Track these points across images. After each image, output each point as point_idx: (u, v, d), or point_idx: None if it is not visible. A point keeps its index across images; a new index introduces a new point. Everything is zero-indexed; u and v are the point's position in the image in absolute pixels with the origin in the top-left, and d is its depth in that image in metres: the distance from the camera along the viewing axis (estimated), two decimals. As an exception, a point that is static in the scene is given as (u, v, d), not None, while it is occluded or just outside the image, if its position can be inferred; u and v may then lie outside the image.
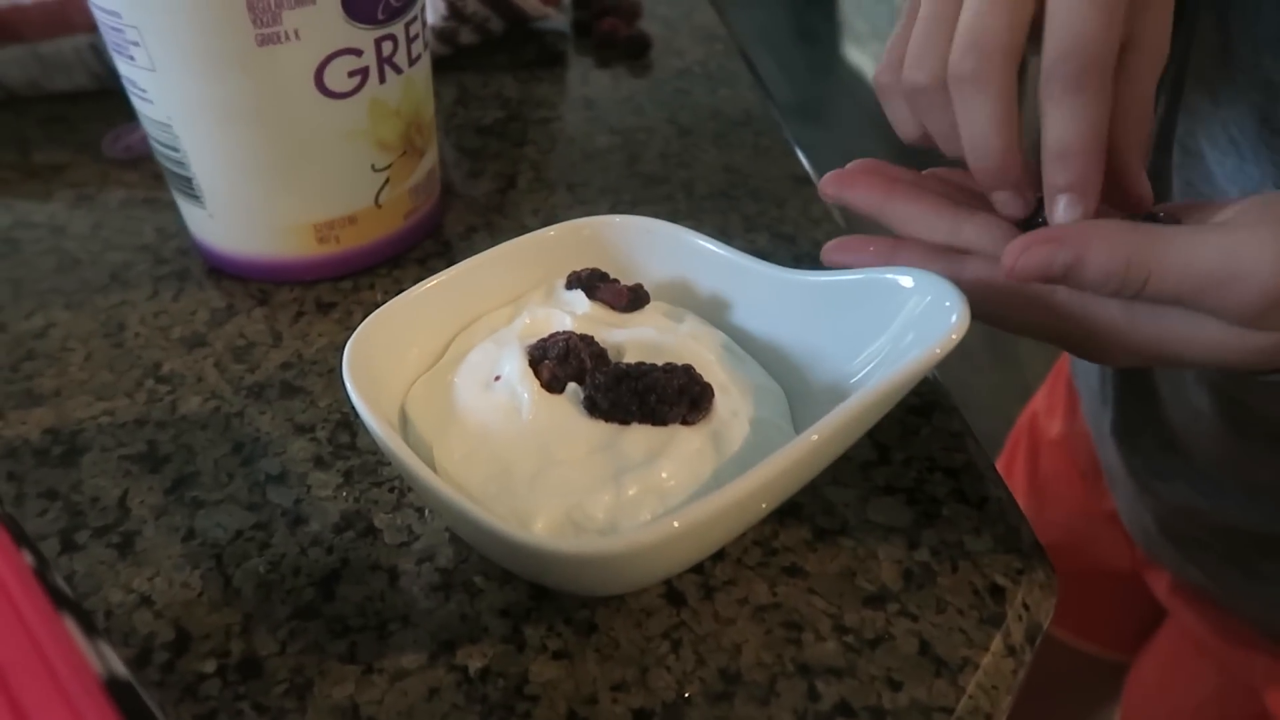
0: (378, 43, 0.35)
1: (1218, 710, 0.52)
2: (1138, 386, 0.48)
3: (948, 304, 0.27)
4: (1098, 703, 0.67)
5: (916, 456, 0.31)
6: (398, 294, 0.29)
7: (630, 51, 0.58)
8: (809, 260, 0.40)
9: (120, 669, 0.15)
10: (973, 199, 0.32)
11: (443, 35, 0.56)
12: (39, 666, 0.12)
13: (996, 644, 0.26)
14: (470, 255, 0.32)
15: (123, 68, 0.35)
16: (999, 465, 0.65)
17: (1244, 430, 0.41)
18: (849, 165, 0.33)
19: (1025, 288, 0.28)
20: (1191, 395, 0.44)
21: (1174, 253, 0.24)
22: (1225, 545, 0.47)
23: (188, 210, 0.39)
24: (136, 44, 0.33)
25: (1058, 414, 0.61)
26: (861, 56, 2.53)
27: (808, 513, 0.29)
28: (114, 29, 0.33)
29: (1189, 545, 0.50)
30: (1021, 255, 0.26)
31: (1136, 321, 0.27)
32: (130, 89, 0.36)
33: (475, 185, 0.46)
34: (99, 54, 0.52)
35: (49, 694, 0.12)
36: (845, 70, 2.60)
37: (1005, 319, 0.29)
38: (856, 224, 0.37)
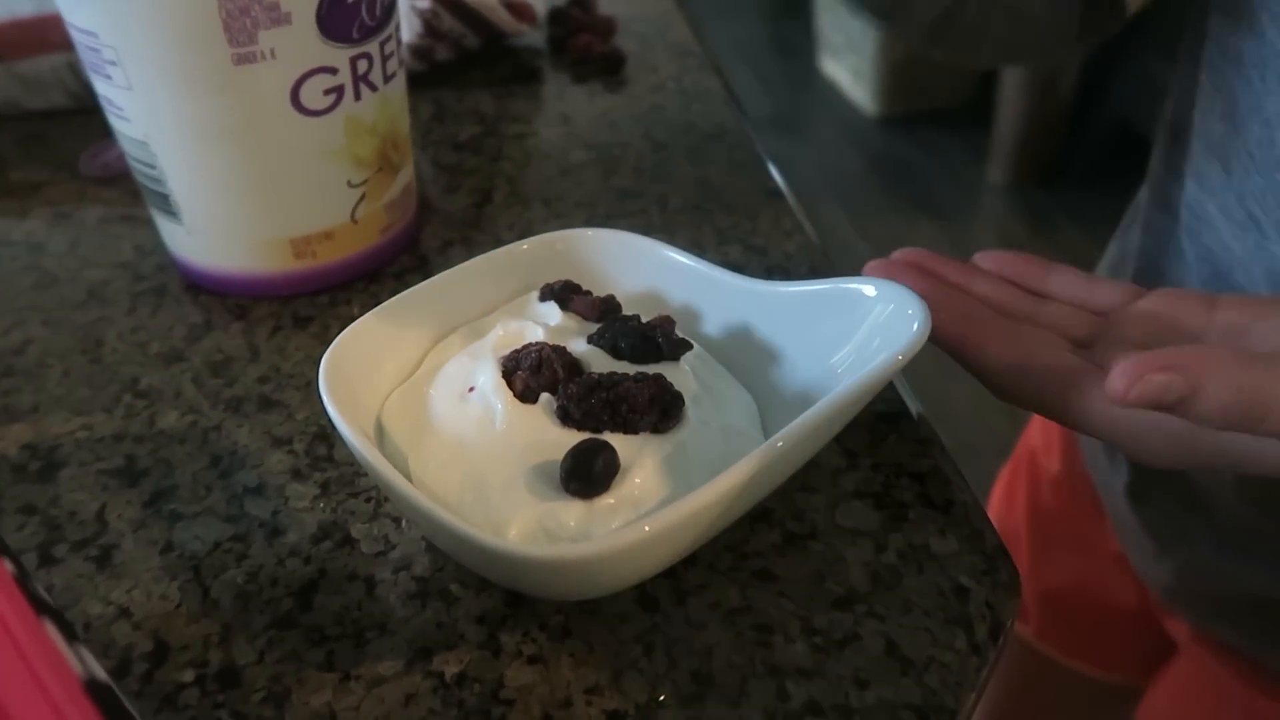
0: (353, 61, 0.36)
1: None
2: None
3: (910, 312, 0.28)
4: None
5: (884, 462, 0.32)
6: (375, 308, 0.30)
7: (605, 68, 0.59)
8: (780, 271, 0.41)
9: (100, 673, 0.15)
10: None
11: (418, 52, 0.57)
12: (21, 669, 0.13)
13: (961, 643, 0.26)
14: (446, 269, 0.32)
15: (100, 87, 0.35)
16: (996, 498, 0.66)
17: (1272, 490, 0.40)
18: (903, 256, 0.34)
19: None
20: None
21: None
22: (1253, 606, 0.46)
23: (165, 227, 0.39)
24: (114, 63, 0.34)
25: (1055, 452, 0.60)
26: (838, 69, 2.56)
27: (778, 517, 0.30)
28: (91, 49, 0.34)
29: (1213, 603, 0.48)
30: (1136, 384, 0.24)
31: (1199, 433, 0.26)
32: (108, 108, 0.36)
33: (452, 200, 0.47)
34: (76, 73, 0.52)
35: (32, 695, 0.12)
36: (822, 83, 2.63)
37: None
38: (828, 238, 0.38)
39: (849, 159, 2.38)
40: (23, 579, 0.16)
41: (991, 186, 2.25)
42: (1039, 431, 0.63)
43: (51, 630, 0.14)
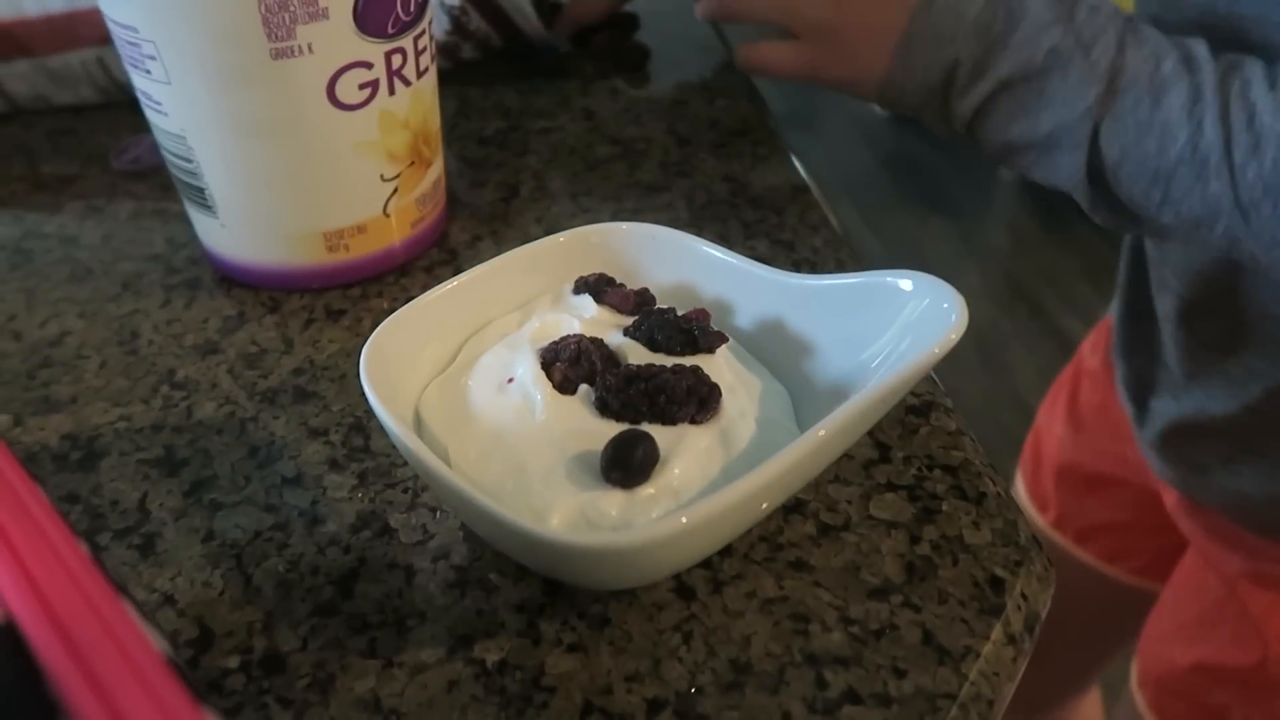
0: (388, 56, 0.36)
1: (1215, 616, 0.56)
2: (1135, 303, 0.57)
3: (945, 306, 0.28)
4: (1133, 628, 0.70)
5: (916, 455, 0.32)
6: (405, 301, 0.30)
7: (629, 63, 0.59)
8: (807, 265, 0.41)
9: (169, 650, 0.15)
10: None
11: (445, 49, 0.57)
12: (110, 645, 0.13)
13: (997, 633, 0.27)
14: (475, 263, 0.32)
15: (138, 81, 0.36)
16: (1045, 402, 0.74)
17: (1192, 327, 0.52)
18: None
19: None
20: (1163, 302, 0.53)
21: None
22: (1205, 444, 0.53)
23: (199, 220, 0.40)
24: (153, 58, 0.34)
25: (1099, 350, 0.67)
26: (850, 66, 2.55)
27: (812, 509, 0.30)
28: (130, 43, 0.34)
29: (1174, 449, 0.56)
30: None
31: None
32: (145, 102, 0.37)
33: (479, 195, 0.47)
34: (105, 67, 0.53)
35: (122, 671, 0.13)
36: (834, 80, 2.62)
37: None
38: (860, 232, 0.38)
39: (861, 156, 2.38)
40: (98, 559, 0.16)
41: (1003, 183, 2.24)
42: (1091, 337, 0.69)
43: (131, 610, 0.15)
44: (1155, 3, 0.47)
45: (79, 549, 0.15)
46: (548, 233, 0.43)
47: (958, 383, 1.68)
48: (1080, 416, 0.69)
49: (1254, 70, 0.38)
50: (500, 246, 0.43)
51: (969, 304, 0.28)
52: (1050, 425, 0.72)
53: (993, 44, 0.42)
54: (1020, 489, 0.75)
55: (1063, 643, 0.75)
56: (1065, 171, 0.42)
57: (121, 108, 0.55)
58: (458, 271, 0.41)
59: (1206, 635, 0.57)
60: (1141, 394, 0.58)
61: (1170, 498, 0.59)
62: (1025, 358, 1.75)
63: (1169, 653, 0.60)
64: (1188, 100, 0.38)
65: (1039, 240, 2.07)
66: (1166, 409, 0.56)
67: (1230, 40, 0.41)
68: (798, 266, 0.41)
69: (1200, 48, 0.39)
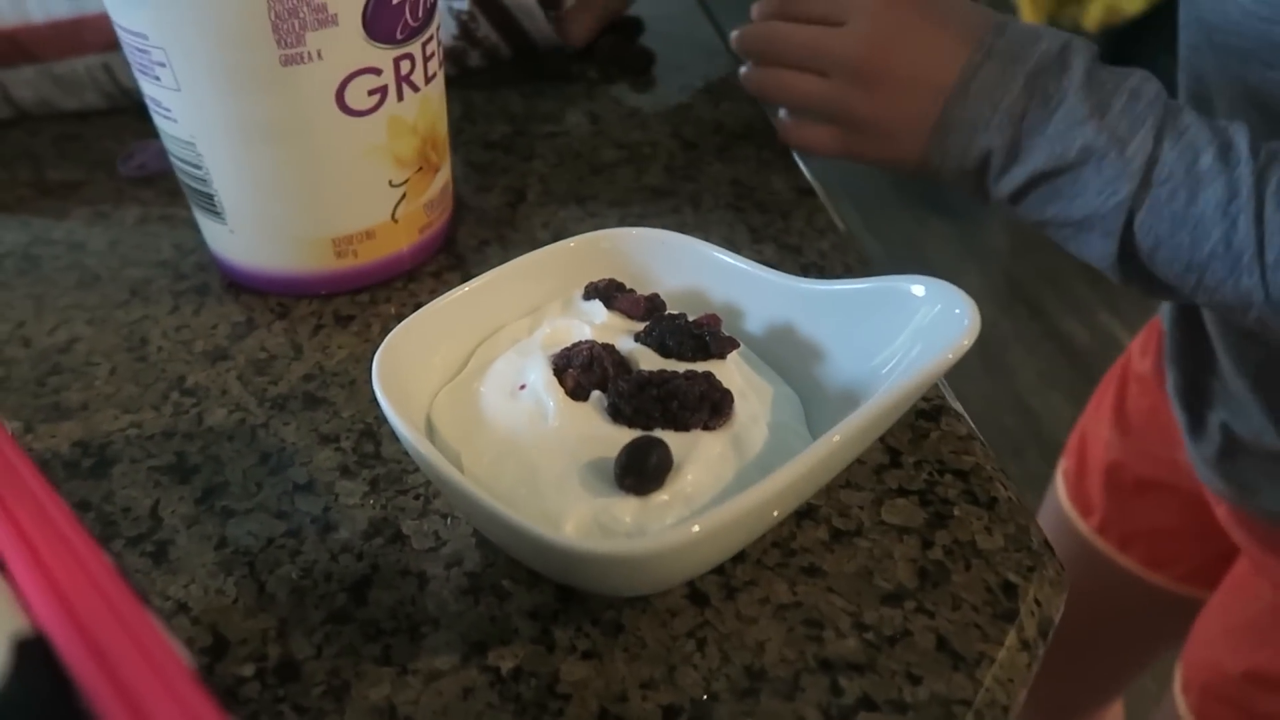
0: (396, 62, 0.36)
1: (1269, 623, 0.56)
2: (1190, 329, 0.56)
3: (958, 311, 0.28)
4: (1171, 636, 0.69)
5: (927, 460, 0.32)
6: (414, 307, 0.30)
7: (633, 67, 0.59)
8: (816, 269, 0.42)
9: (191, 661, 0.15)
10: None
11: (452, 55, 0.57)
12: (139, 657, 0.13)
13: (1011, 639, 0.27)
14: (483, 268, 0.32)
15: (147, 88, 0.36)
16: (1089, 406, 0.73)
17: (1242, 348, 0.51)
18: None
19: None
20: (1218, 330, 0.52)
21: None
22: (1259, 460, 0.52)
23: (208, 226, 0.40)
24: (162, 65, 0.34)
25: (1150, 354, 0.66)
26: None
27: (824, 514, 0.30)
28: (140, 50, 0.34)
29: (1227, 463, 0.55)
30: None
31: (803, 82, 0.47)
32: (154, 108, 0.37)
33: (485, 199, 0.47)
34: (111, 73, 0.53)
35: (152, 683, 0.13)
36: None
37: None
38: (860, 234, 0.38)
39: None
40: (122, 569, 0.16)
41: (1004, 185, 2.24)
42: (1139, 338, 0.68)
43: (157, 622, 0.15)
44: (1198, 32, 0.46)
45: (103, 559, 0.15)
46: (555, 238, 0.43)
47: (958, 385, 1.68)
48: (1128, 420, 0.68)
49: None
50: (507, 251, 0.43)
51: (969, 307, 0.28)
52: (1096, 428, 0.71)
53: (1026, 134, 0.41)
54: (1061, 493, 0.74)
55: (1099, 650, 0.73)
56: (1098, 253, 0.42)
57: (127, 113, 0.55)
58: (465, 277, 0.41)
59: (1259, 643, 0.56)
60: (1194, 404, 0.57)
61: (1222, 508, 0.58)
62: (1026, 359, 1.76)
63: (1217, 659, 0.59)
64: (1223, 198, 0.38)
65: (1039, 241, 2.07)
66: (1220, 421, 0.55)
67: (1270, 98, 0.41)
68: (806, 270, 0.41)
69: (1241, 137, 0.39)
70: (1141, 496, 0.67)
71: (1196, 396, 0.57)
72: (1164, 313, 0.61)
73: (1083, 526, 0.71)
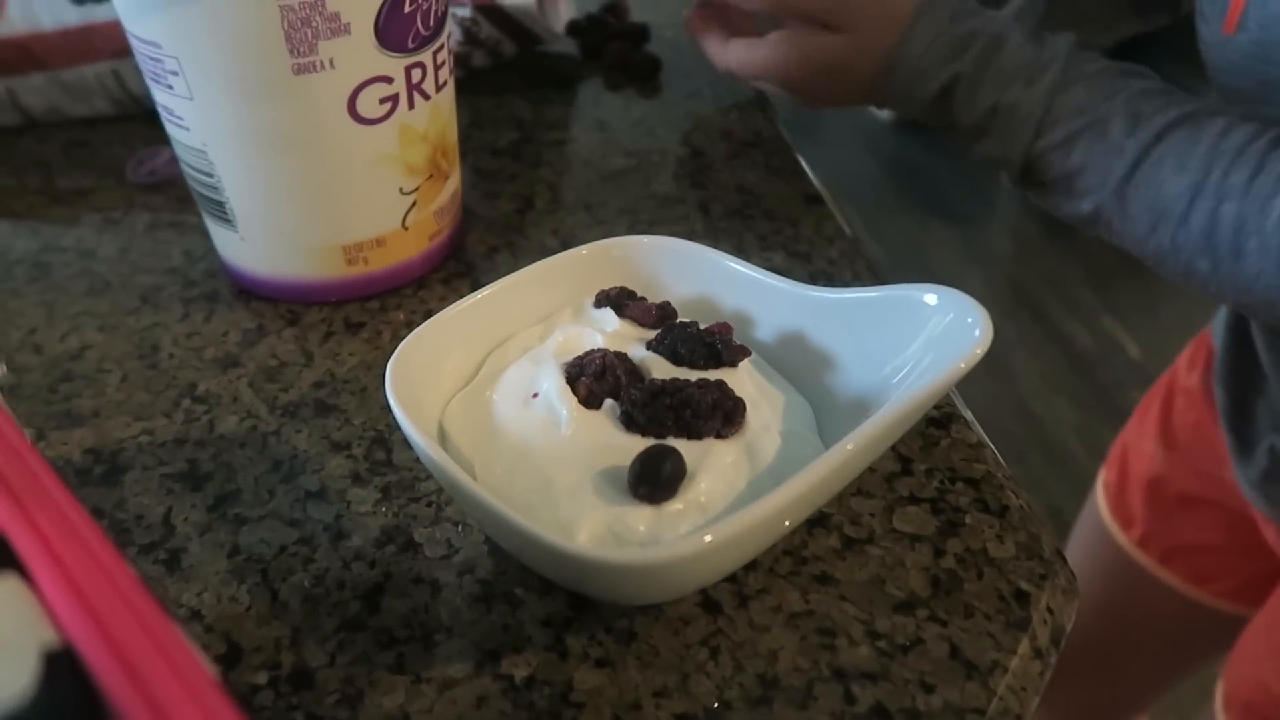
0: (407, 70, 0.36)
1: None
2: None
3: (970, 320, 0.28)
4: (1209, 652, 0.68)
5: (938, 467, 0.32)
6: (424, 314, 0.30)
7: (640, 74, 0.59)
8: (825, 277, 0.42)
9: (215, 672, 0.15)
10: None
11: (456, 59, 0.57)
12: (166, 668, 0.13)
13: (1024, 647, 0.27)
14: (492, 275, 0.33)
15: (159, 96, 0.36)
16: (1133, 419, 0.73)
17: None
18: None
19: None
20: (1270, 353, 0.52)
21: None
22: None
23: (219, 233, 0.40)
24: (175, 73, 0.34)
25: (1197, 368, 0.65)
26: (852, 73, 2.56)
27: (835, 522, 0.30)
28: (153, 59, 0.34)
29: (1274, 483, 0.54)
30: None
31: (773, 38, 0.47)
32: (166, 116, 0.37)
33: (494, 207, 0.47)
34: (120, 79, 0.53)
35: (180, 695, 0.13)
36: (836, 87, 2.63)
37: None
38: (863, 238, 0.38)
39: (862, 161, 2.38)
40: (146, 581, 0.16)
41: (1005, 189, 2.25)
42: (1187, 352, 0.68)
43: (184, 634, 0.15)
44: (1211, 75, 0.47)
45: (128, 569, 0.15)
46: (564, 245, 0.43)
47: (961, 389, 1.68)
48: (1173, 435, 0.67)
49: None
50: (517, 258, 0.43)
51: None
52: (1139, 441, 0.70)
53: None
54: (1101, 504, 0.73)
55: (1135, 663, 0.72)
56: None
57: (136, 120, 0.55)
58: (475, 284, 0.41)
59: None
60: (1241, 425, 0.56)
61: (1271, 529, 0.58)
62: (1029, 363, 1.76)
63: (1263, 678, 0.58)
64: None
65: (1042, 245, 2.07)
66: (1269, 444, 0.54)
67: None
68: (814, 278, 0.42)
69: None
70: (1185, 512, 0.66)
71: (1244, 418, 0.56)
72: (1214, 331, 0.61)
73: (1123, 539, 0.70)
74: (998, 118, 0.43)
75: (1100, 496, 0.73)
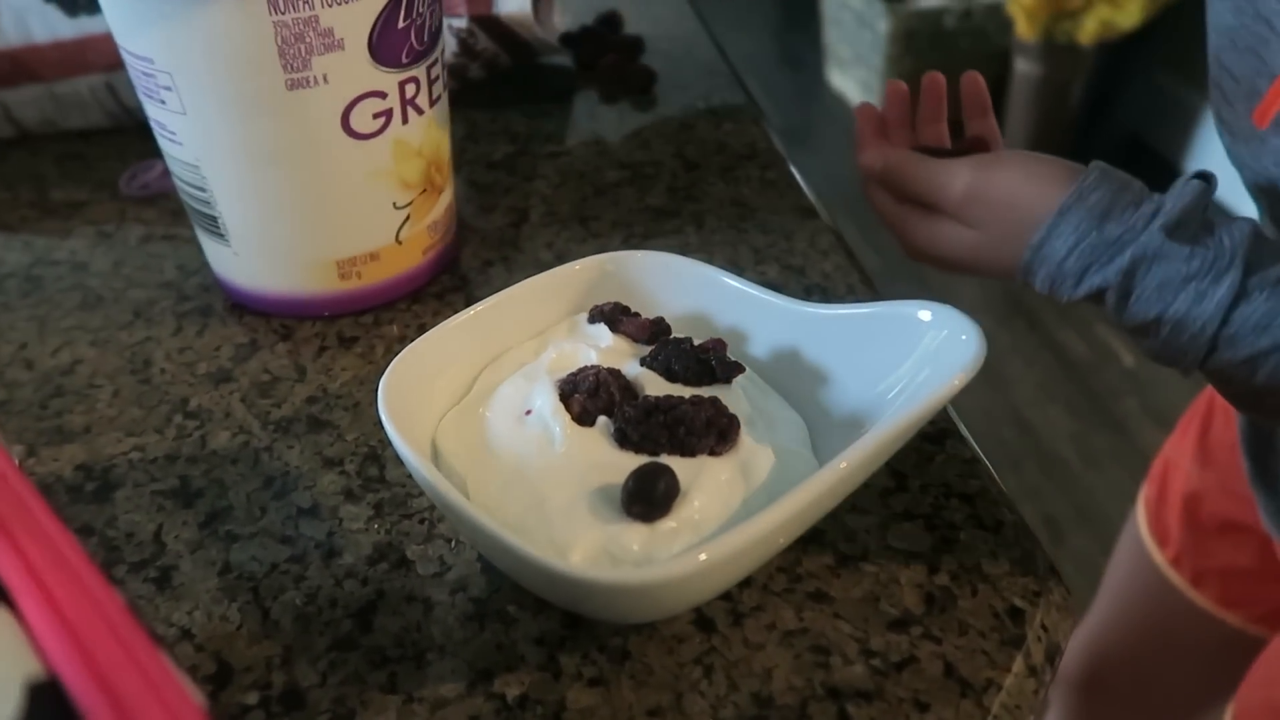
0: (401, 85, 0.36)
1: None
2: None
3: (964, 337, 0.28)
4: (1238, 681, 0.68)
5: (932, 483, 0.32)
6: (418, 328, 0.30)
7: (635, 86, 0.59)
8: (819, 291, 0.42)
9: (203, 701, 0.15)
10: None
11: (452, 71, 0.57)
12: (152, 700, 0.13)
13: (1018, 665, 0.27)
14: (487, 289, 0.33)
15: (152, 111, 0.36)
16: (1174, 434, 0.72)
17: None
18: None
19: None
20: None
21: (913, 162, 0.43)
22: None
23: (211, 248, 0.40)
24: (168, 89, 0.34)
25: None
26: (845, 81, 2.56)
27: (830, 539, 0.30)
28: (145, 74, 0.34)
29: None
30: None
31: (910, 219, 0.43)
32: (159, 131, 0.37)
33: (488, 220, 0.47)
34: (114, 92, 0.53)
35: (167, 726, 0.13)
36: (830, 96, 2.64)
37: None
38: (859, 248, 0.38)
39: (857, 171, 2.39)
40: (135, 609, 0.16)
41: (1001, 198, 2.25)
42: None
43: (170, 662, 0.15)
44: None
45: (115, 596, 0.15)
46: (558, 258, 0.43)
47: (955, 398, 1.68)
48: (1210, 453, 0.65)
49: None
50: (511, 272, 0.43)
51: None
52: (1178, 459, 0.68)
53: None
54: (1141, 521, 0.71)
55: (1168, 684, 0.71)
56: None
57: (129, 133, 0.55)
58: (469, 298, 0.41)
59: None
60: (1263, 453, 0.55)
61: None
62: (1024, 371, 1.76)
63: (1274, 699, 0.57)
64: None
65: (1036, 255, 2.07)
66: None
67: None
68: (809, 292, 0.42)
69: None
70: (1218, 533, 0.65)
71: (1265, 445, 0.55)
72: None
73: (1159, 557, 0.68)
74: (1163, 328, 0.38)
75: (1140, 513, 0.72)
